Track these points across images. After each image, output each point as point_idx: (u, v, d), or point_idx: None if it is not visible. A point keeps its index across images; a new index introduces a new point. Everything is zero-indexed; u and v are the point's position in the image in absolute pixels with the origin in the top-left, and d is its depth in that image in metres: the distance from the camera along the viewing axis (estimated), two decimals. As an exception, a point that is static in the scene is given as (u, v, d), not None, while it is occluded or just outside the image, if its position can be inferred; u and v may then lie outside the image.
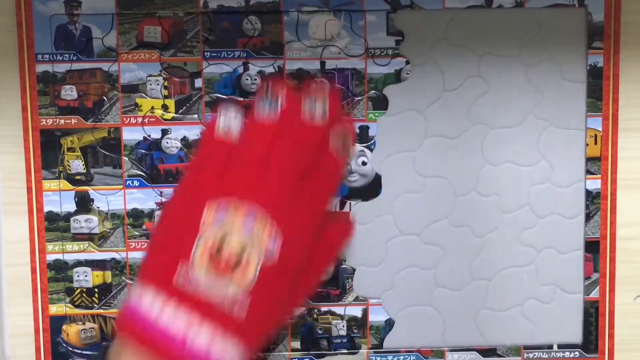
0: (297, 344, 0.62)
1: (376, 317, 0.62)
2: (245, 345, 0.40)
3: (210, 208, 0.40)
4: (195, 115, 0.60)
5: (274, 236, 0.40)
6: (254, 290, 0.39)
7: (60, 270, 0.60)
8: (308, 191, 0.43)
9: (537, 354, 0.62)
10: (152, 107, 0.60)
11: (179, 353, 0.38)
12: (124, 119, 0.60)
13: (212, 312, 0.39)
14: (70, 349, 0.61)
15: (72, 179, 0.60)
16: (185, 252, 0.40)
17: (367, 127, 0.60)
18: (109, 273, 0.61)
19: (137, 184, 0.60)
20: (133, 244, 0.61)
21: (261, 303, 0.40)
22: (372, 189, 0.61)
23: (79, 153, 0.60)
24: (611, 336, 0.62)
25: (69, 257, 0.60)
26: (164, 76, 0.59)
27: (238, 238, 0.39)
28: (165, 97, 0.60)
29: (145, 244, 0.60)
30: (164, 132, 0.60)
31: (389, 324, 0.62)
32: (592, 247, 0.61)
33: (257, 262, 0.39)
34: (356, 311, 0.62)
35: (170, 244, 0.42)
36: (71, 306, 0.61)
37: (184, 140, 0.60)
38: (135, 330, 0.39)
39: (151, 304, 0.39)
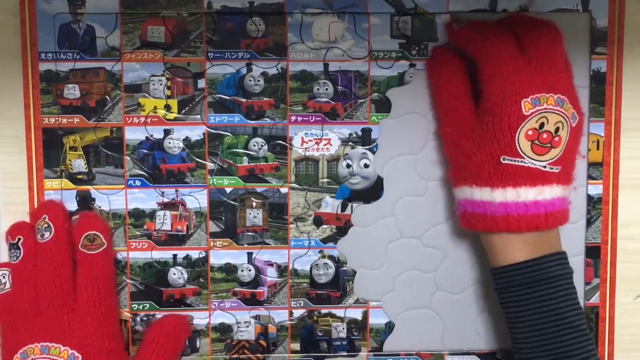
0: (297, 346, 0.62)
1: (376, 319, 0.62)
2: (567, 184, 0.55)
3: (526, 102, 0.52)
4: (198, 116, 0.60)
5: (571, 108, 0.54)
6: (566, 150, 0.54)
7: (60, 269, 0.60)
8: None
9: (536, 358, 0.62)
10: (155, 107, 0.60)
11: (535, 214, 0.52)
12: (127, 119, 0.60)
13: (539, 178, 0.53)
14: (70, 348, 0.61)
15: (73, 178, 0.60)
16: (504, 147, 0.52)
17: (370, 130, 0.60)
18: (109, 272, 0.61)
19: (138, 184, 0.60)
20: (134, 243, 0.61)
21: (570, 155, 0.55)
22: (373, 191, 0.61)
23: (81, 152, 0.60)
24: (611, 341, 0.62)
25: (70, 256, 0.60)
26: (167, 76, 0.59)
27: (554, 120, 0.52)
28: (168, 97, 0.60)
29: (145, 245, 0.60)
30: (167, 132, 0.60)
31: (389, 326, 0.62)
32: (593, 252, 0.61)
33: (567, 131, 0.53)
34: (356, 313, 0.62)
35: (476, 145, 0.54)
36: (71, 305, 0.61)
37: (186, 140, 0.60)
38: (494, 222, 0.53)
39: (487, 196, 0.53)
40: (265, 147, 0.60)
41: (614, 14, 0.59)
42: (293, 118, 0.60)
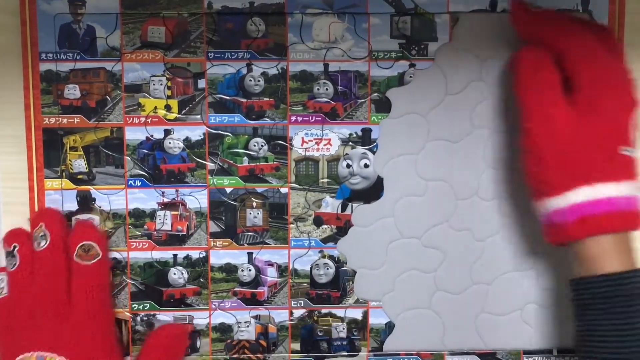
0: (297, 346, 0.62)
1: (376, 319, 0.62)
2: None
3: None
4: (198, 116, 0.60)
5: None
6: None
7: (61, 269, 0.60)
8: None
9: (536, 358, 0.62)
10: (155, 107, 0.60)
11: (625, 211, 0.49)
12: (127, 119, 0.60)
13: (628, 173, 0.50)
14: (70, 348, 0.61)
15: (74, 178, 0.60)
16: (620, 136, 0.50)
17: (370, 130, 0.60)
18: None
19: (139, 184, 0.60)
20: (134, 243, 0.61)
21: None
22: (373, 191, 0.61)
23: (82, 152, 0.60)
24: (611, 341, 0.62)
25: (70, 256, 0.60)
26: (168, 76, 0.59)
27: None
28: (169, 97, 0.60)
29: (145, 245, 0.60)
30: (167, 133, 0.60)
31: (389, 326, 0.62)
32: (593, 252, 0.61)
33: None
34: (356, 314, 0.62)
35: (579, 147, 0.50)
36: (71, 305, 0.61)
37: (186, 140, 0.60)
38: (622, 219, 0.49)
39: (612, 192, 0.49)
40: (266, 147, 0.60)
41: (614, 14, 0.59)
42: (293, 118, 0.60)
